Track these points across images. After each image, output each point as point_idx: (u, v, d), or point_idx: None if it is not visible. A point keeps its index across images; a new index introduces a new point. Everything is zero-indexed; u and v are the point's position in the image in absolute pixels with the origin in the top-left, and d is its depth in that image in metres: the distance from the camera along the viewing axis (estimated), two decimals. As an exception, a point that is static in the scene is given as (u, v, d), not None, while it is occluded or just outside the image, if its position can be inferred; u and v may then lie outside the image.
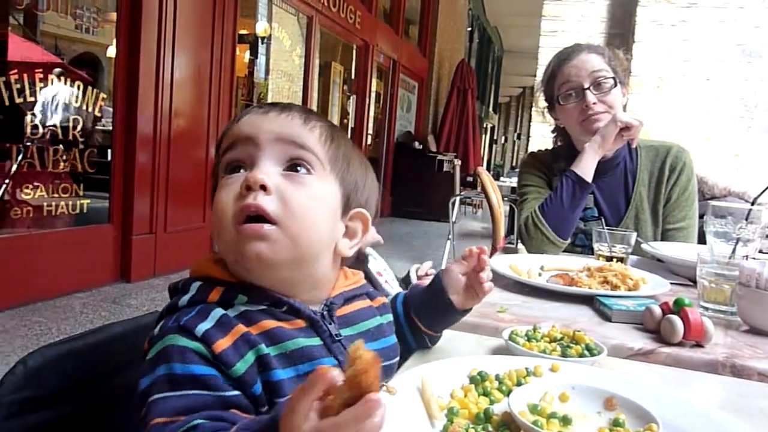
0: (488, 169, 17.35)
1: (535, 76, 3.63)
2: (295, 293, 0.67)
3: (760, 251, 1.26)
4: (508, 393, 0.63)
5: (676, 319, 0.88)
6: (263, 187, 0.63)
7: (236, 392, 0.58)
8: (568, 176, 1.59)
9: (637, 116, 1.58)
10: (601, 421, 0.58)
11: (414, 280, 1.43)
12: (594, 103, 1.60)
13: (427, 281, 1.43)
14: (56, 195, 3.67)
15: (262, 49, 6.53)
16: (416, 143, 9.33)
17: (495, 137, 21.91)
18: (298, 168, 0.66)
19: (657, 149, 1.72)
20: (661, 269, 1.46)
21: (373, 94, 8.52)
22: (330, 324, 0.68)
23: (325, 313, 0.69)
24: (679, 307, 0.90)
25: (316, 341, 0.66)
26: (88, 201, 3.90)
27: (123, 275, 3.97)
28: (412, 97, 10.17)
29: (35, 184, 3.53)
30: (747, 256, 1.00)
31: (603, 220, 1.51)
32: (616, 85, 1.61)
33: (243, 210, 0.63)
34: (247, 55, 6.39)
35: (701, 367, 0.84)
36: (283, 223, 0.63)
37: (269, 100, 6.56)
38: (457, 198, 4.53)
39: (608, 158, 1.67)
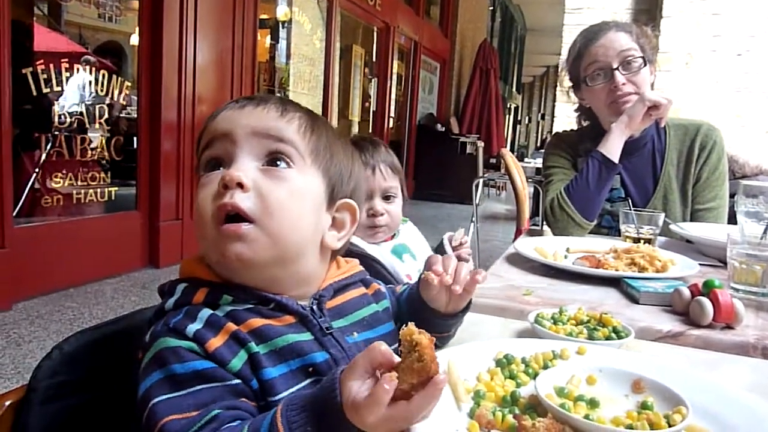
0: (512, 150, 17.19)
1: (559, 54, 3.57)
2: (282, 290, 0.65)
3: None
4: (534, 376, 0.63)
5: (706, 301, 0.87)
6: (240, 185, 0.61)
7: (239, 380, 0.58)
8: (594, 157, 1.57)
9: (665, 95, 1.55)
10: (629, 404, 0.58)
11: (449, 251, 1.42)
12: (623, 84, 1.56)
13: (464, 252, 1.43)
14: (84, 183, 3.74)
15: (283, 33, 6.51)
16: (439, 125, 9.26)
17: (519, 118, 21.64)
18: (278, 162, 0.64)
19: (686, 128, 1.68)
20: (690, 251, 1.44)
21: (394, 77, 8.46)
22: (320, 318, 0.66)
23: (314, 306, 0.67)
24: (708, 289, 0.89)
25: (306, 336, 0.64)
26: (116, 189, 3.98)
27: (152, 261, 4.05)
28: (434, 78, 10.08)
29: (64, 172, 3.60)
30: (780, 237, 0.98)
31: (630, 201, 1.48)
32: (645, 65, 1.57)
33: (220, 209, 0.61)
34: (268, 40, 6.38)
35: (732, 350, 0.83)
36: (261, 221, 0.62)
37: (291, 85, 6.57)
38: (481, 180, 4.50)
39: (635, 138, 1.64)
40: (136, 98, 4.03)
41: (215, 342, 0.59)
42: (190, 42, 4.09)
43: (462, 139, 9.04)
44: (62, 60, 3.57)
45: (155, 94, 3.99)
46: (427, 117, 9.54)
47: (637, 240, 1.40)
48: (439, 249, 1.44)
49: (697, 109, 3.02)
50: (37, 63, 3.38)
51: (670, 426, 0.51)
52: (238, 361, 0.59)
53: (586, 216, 1.55)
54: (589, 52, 1.60)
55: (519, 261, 1.22)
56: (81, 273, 3.57)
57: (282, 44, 6.58)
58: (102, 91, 3.79)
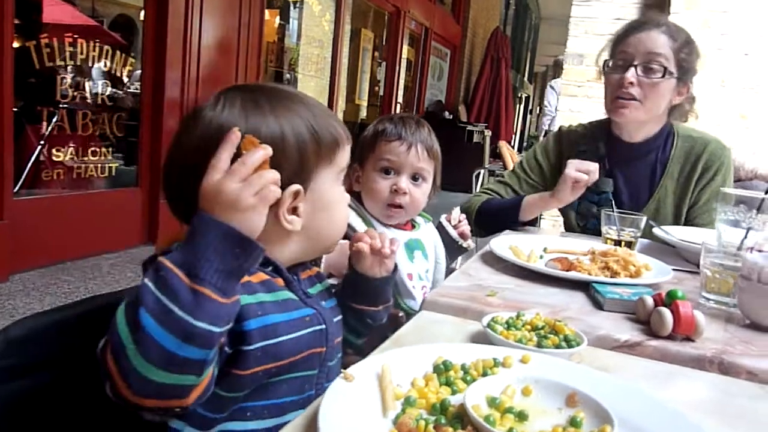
0: (521, 140, 17.03)
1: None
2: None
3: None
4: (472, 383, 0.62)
5: (666, 312, 0.86)
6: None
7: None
8: (518, 197, 1.61)
9: (590, 164, 1.48)
10: (559, 418, 0.57)
11: (451, 230, 1.41)
12: (630, 83, 1.50)
13: (464, 228, 1.42)
14: (86, 158, 3.75)
15: (292, 14, 6.47)
16: (446, 113, 9.19)
17: (530, 107, 21.44)
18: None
19: (694, 141, 1.60)
20: (672, 255, 1.42)
21: (403, 62, 8.39)
22: (299, 283, 0.78)
23: (293, 275, 0.78)
24: (671, 299, 0.88)
25: (294, 296, 0.76)
26: (117, 164, 3.99)
27: (150, 238, 4.07)
28: (443, 65, 9.99)
29: (66, 146, 3.62)
30: (752, 248, 0.96)
31: (613, 201, 1.46)
32: (664, 77, 1.48)
33: None
34: (277, 20, 6.34)
35: (688, 363, 0.81)
36: None
37: (299, 67, 6.53)
38: (483, 171, 4.46)
39: (639, 142, 1.61)
40: (139, 74, 4.03)
41: None
42: (196, 19, 4.06)
43: (470, 127, 8.97)
44: (70, 33, 3.56)
45: (159, 71, 3.98)
46: (436, 104, 9.47)
47: (617, 242, 1.39)
48: (440, 229, 1.42)
49: (699, 107, 2.97)
50: (42, 36, 3.37)
51: (590, 445, 0.50)
52: (244, 299, 0.66)
53: (479, 229, 1.61)
54: (626, 40, 1.54)
55: (492, 260, 1.21)
56: (79, 247, 3.60)
57: (292, 25, 6.53)
58: (106, 66, 3.79)
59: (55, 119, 3.54)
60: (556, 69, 7.38)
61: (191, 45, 4.07)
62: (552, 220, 3.50)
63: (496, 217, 1.61)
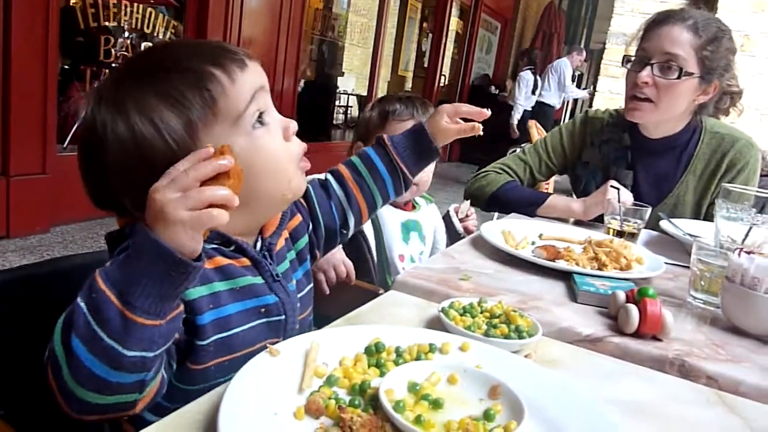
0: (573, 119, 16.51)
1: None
2: (243, 234, 0.73)
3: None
4: (404, 367, 0.62)
5: (633, 309, 0.84)
6: None
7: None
8: (544, 195, 1.57)
9: (629, 196, 1.46)
10: (476, 409, 0.57)
11: (456, 222, 1.42)
12: (644, 83, 1.44)
13: (470, 224, 1.43)
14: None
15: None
16: (493, 87, 9.00)
17: (584, 85, 20.73)
18: None
19: (722, 138, 1.54)
20: (679, 249, 1.37)
21: (451, 34, 8.22)
22: (270, 264, 0.75)
23: (266, 253, 0.76)
24: (641, 296, 0.85)
25: (259, 280, 0.73)
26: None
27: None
28: (493, 38, 9.74)
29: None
30: (740, 249, 0.92)
31: (618, 192, 1.41)
32: (680, 77, 1.41)
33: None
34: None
35: (648, 363, 0.79)
36: None
37: (347, 34, 6.50)
38: (518, 149, 4.37)
39: (660, 138, 1.56)
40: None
41: None
42: (240, -18, 4.08)
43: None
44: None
45: (201, 34, 4.03)
46: (482, 78, 9.28)
47: (620, 233, 1.35)
48: (446, 219, 1.44)
49: (747, 96, 2.82)
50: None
51: (488, 439, 0.51)
52: (195, 292, 0.65)
53: (487, 209, 1.60)
54: (647, 35, 1.49)
55: (480, 243, 1.20)
56: (117, 204, 3.73)
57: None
58: (148, 28, 3.86)
59: (101, 78, 3.65)
60: (530, 56, 7.23)
61: (233, 9, 4.10)
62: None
63: (513, 205, 1.57)
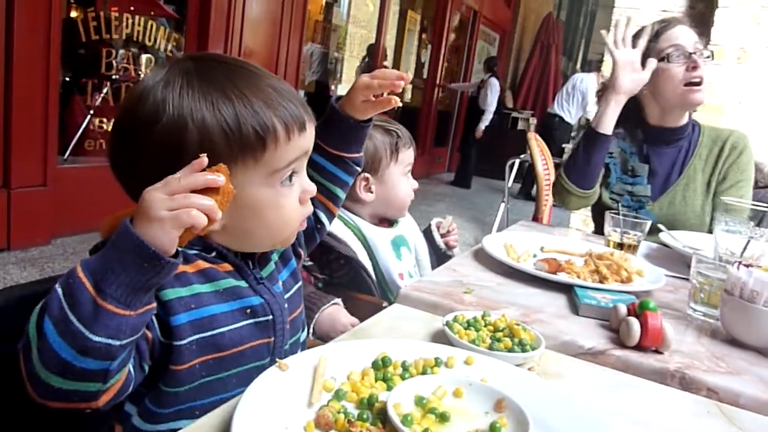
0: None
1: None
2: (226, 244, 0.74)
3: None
4: (410, 381, 0.63)
5: (634, 322, 0.85)
6: None
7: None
8: (585, 131, 1.67)
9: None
10: (482, 423, 0.58)
11: (437, 237, 1.44)
12: (700, 67, 1.60)
13: (451, 239, 1.46)
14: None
15: (339, -8, 6.47)
16: (491, 98, 9.04)
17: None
18: None
19: (719, 132, 1.75)
20: (677, 261, 1.39)
21: (450, 45, 8.28)
22: (254, 269, 0.77)
23: (248, 260, 0.76)
24: (642, 310, 0.87)
25: (243, 283, 0.74)
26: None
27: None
28: (491, 49, 9.80)
29: (110, 118, 3.75)
30: (739, 263, 0.93)
31: (620, 205, 1.44)
32: (712, 58, 1.64)
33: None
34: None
35: (650, 375, 0.81)
36: None
37: (346, 46, 6.54)
38: (517, 160, 4.40)
39: (680, 127, 1.70)
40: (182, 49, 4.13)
41: None
42: (241, -6, 4.11)
43: (514, 114, 8.81)
44: (113, 8, 3.67)
45: (202, 46, 4.06)
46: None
47: (620, 245, 1.37)
48: (427, 234, 1.45)
49: (744, 108, 2.85)
50: (89, 10, 3.49)
51: (495, 452, 0.52)
52: (172, 293, 0.66)
53: (582, 186, 1.64)
54: (668, 34, 1.63)
55: (482, 257, 1.21)
56: (118, 216, 3.74)
57: (342, 4, 6.52)
58: (149, 41, 3.89)
59: (104, 91, 3.67)
60: (489, 64, 7.27)
61: (234, 20, 4.12)
62: (583, 215, 3.43)
63: (577, 157, 1.65)
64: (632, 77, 1.59)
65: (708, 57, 1.63)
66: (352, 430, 0.52)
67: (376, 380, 0.64)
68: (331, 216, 0.96)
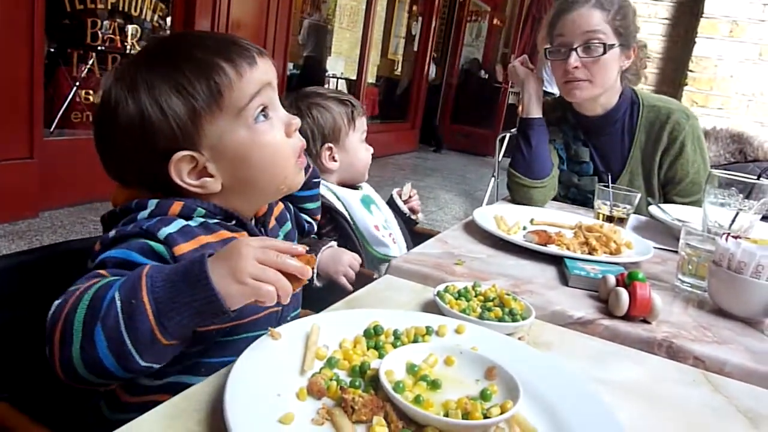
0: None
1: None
2: (244, 213, 0.77)
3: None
4: (401, 350, 0.64)
5: (623, 292, 0.86)
6: None
7: None
8: (518, 123, 1.64)
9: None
10: (473, 390, 0.59)
11: (400, 204, 1.51)
12: (575, 68, 1.51)
13: (414, 203, 1.53)
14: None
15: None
16: (482, 72, 8.99)
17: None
18: None
19: (659, 110, 1.61)
20: (665, 234, 1.40)
21: (440, 18, 8.19)
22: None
23: (261, 228, 0.80)
24: (631, 280, 0.88)
25: None
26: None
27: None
28: (482, 23, 9.71)
29: (97, 89, 3.69)
30: (727, 234, 0.94)
31: (609, 176, 1.44)
32: (605, 53, 1.49)
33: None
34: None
35: (637, 344, 0.82)
36: None
37: (336, 17, 6.45)
38: (507, 134, 4.39)
39: (605, 113, 1.62)
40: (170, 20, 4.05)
41: (184, 247, 0.66)
42: (228, -36, 4.03)
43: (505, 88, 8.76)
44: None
45: (189, 17, 3.99)
46: (472, 62, 9.26)
47: (609, 218, 1.38)
48: (391, 203, 1.52)
49: (735, 80, 2.85)
50: (73, -22, 3.41)
51: (485, 418, 0.52)
52: None
53: (532, 176, 1.58)
54: (559, 23, 1.54)
55: (473, 229, 1.22)
56: (107, 188, 3.67)
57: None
58: (135, 11, 3.81)
59: (90, 62, 3.61)
60: None
61: (222, -9, 4.05)
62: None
63: (520, 147, 1.62)
64: (530, 80, 1.63)
65: (598, 53, 1.48)
66: (344, 397, 0.52)
67: (368, 348, 0.65)
68: (315, 221, 1.07)
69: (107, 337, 0.54)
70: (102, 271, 0.61)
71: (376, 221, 1.37)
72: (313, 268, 0.61)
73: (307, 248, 0.61)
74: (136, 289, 0.54)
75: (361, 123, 1.40)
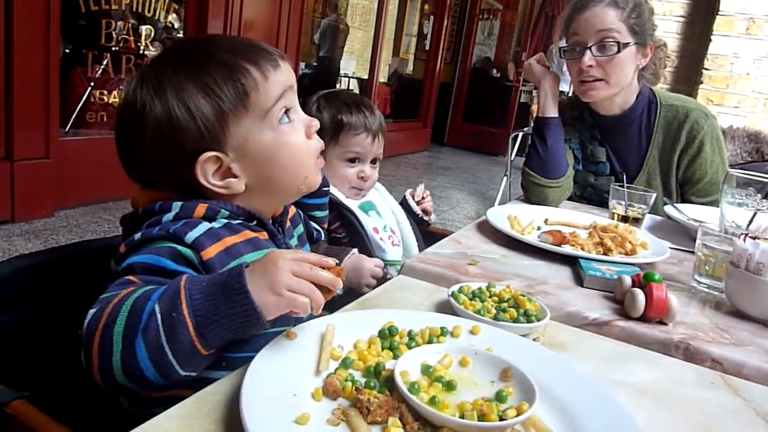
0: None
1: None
2: (263, 213, 0.78)
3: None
4: (416, 350, 0.64)
5: (639, 293, 0.85)
6: None
7: None
8: (534, 121, 1.62)
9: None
10: (488, 391, 0.59)
11: (413, 205, 1.49)
12: (589, 66, 1.50)
13: (426, 204, 1.51)
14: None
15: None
16: (494, 70, 8.95)
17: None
18: None
19: (677, 110, 1.59)
20: (681, 234, 1.39)
21: (452, 16, 8.16)
22: (284, 238, 0.82)
23: (278, 227, 0.82)
24: (647, 281, 0.87)
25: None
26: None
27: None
28: (494, 21, 9.66)
29: (111, 90, 3.73)
30: (745, 235, 0.93)
31: (624, 175, 1.44)
32: (620, 51, 1.48)
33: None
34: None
35: (654, 346, 0.81)
36: None
37: (348, 16, 6.45)
38: (520, 133, 4.37)
39: (622, 113, 1.61)
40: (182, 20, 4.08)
41: (211, 251, 0.67)
42: (240, -35, 4.05)
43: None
44: (113, -23, 3.61)
45: (201, 17, 4.01)
46: (484, 60, 9.21)
47: (624, 218, 1.37)
48: (404, 204, 1.51)
49: (752, 79, 2.81)
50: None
51: (501, 420, 0.52)
52: (231, 264, 0.67)
53: (548, 176, 1.57)
54: (573, 22, 1.53)
55: (486, 229, 1.21)
56: (121, 188, 3.73)
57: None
58: (149, 12, 3.84)
59: (104, 63, 3.64)
60: None
61: (234, -9, 4.07)
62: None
63: (536, 146, 1.61)
64: (546, 75, 1.62)
65: (612, 51, 1.48)
66: (360, 398, 0.52)
67: (382, 349, 0.65)
68: (323, 229, 1.07)
69: (148, 348, 0.54)
70: (132, 278, 0.62)
71: (376, 224, 1.35)
72: (342, 280, 0.62)
73: (337, 261, 0.62)
74: (175, 302, 0.55)
75: (350, 143, 1.27)
